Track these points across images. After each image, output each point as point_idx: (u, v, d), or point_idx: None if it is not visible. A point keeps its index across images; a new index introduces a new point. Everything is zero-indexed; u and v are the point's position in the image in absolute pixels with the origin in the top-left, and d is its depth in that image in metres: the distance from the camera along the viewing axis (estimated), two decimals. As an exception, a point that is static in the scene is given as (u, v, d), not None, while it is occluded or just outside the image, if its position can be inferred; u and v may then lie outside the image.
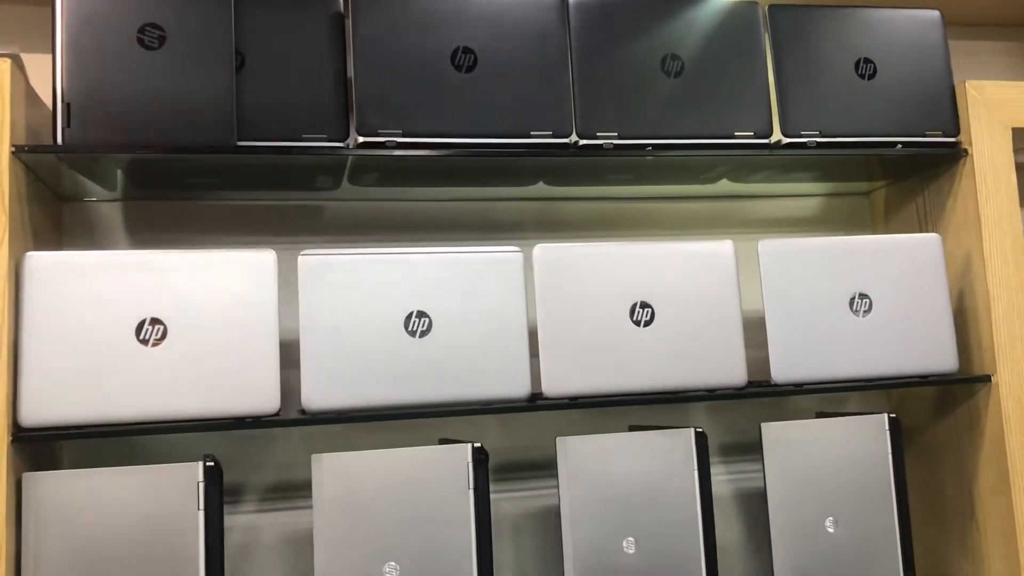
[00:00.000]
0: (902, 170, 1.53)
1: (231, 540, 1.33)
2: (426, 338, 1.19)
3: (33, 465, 1.13)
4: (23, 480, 1.07)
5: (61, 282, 1.10)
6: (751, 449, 1.54)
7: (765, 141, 1.33)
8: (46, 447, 1.23)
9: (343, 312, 1.17)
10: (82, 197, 1.35)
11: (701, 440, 1.27)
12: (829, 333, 1.31)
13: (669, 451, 1.26)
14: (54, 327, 1.09)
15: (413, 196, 1.47)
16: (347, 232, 1.44)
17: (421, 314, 1.19)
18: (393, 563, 1.15)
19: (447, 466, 1.18)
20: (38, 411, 1.07)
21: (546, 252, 1.25)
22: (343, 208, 1.45)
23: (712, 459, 1.51)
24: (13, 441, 1.06)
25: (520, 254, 1.23)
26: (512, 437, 1.46)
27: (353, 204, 1.45)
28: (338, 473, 1.16)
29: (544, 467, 1.46)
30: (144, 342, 1.11)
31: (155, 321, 1.11)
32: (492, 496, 1.41)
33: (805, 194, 1.64)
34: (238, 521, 1.35)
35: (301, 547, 1.36)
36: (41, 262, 1.10)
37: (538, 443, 1.46)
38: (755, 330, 1.42)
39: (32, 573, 1.05)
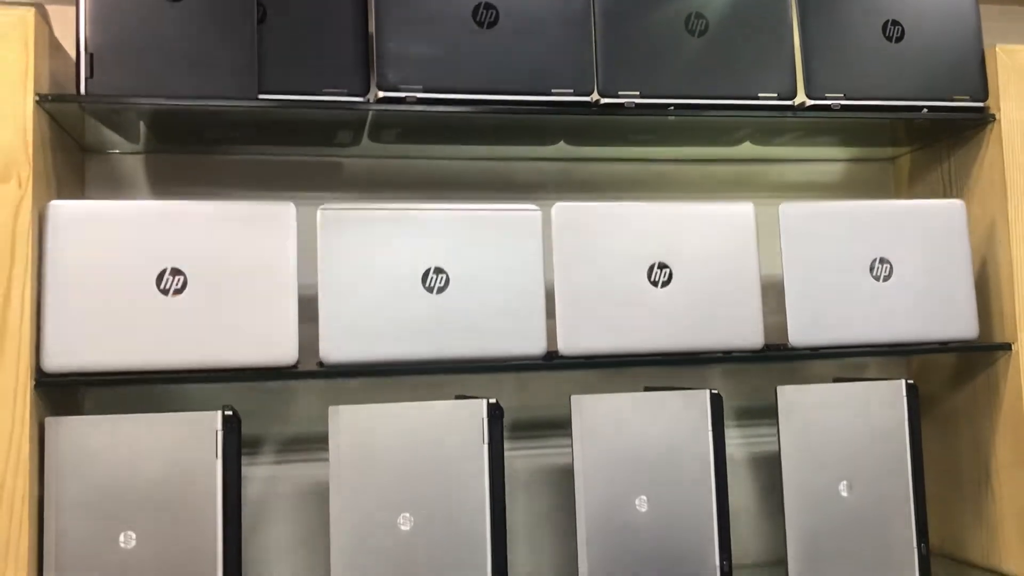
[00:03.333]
0: (928, 135, 1.51)
1: (249, 491, 1.36)
2: (443, 294, 1.19)
3: (55, 411, 1.15)
4: (46, 424, 1.09)
5: (84, 231, 1.11)
6: (767, 414, 1.54)
7: (789, 103, 1.31)
8: (68, 394, 1.25)
9: (361, 267, 1.17)
10: (105, 149, 1.36)
11: (716, 402, 1.27)
12: (848, 297, 1.31)
13: (684, 412, 1.27)
14: (76, 275, 1.10)
15: (433, 154, 1.47)
16: (367, 189, 1.45)
17: (439, 271, 1.19)
18: (408, 514, 1.16)
19: (463, 421, 1.19)
20: (60, 358, 1.09)
21: (564, 211, 1.25)
22: (363, 165, 1.45)
23: (727, 422, 1.51)
24: (36, 386, 1.08)
25: (539, 213, 1.23)
26: (528, 396, 1.46)
27: (373, 161, 1.46)
28: (355, 425, 1.17)
29: (559, 426, 1.47)
30: (164, 292, 1.12)
31: (175, 271, 1.13)
32: (507, 454, 1.43)
33: (829, 159, 1.62)
34: (257, 472, 1.37)
35: (318, 499, 1.38)
36: (64, 211, 1.11)
37: (553, 402, 1.46)
38: (773, 295, 1.41)
39: (54, 514, 1.08)
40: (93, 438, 1.10)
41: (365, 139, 1.36)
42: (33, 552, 1.06)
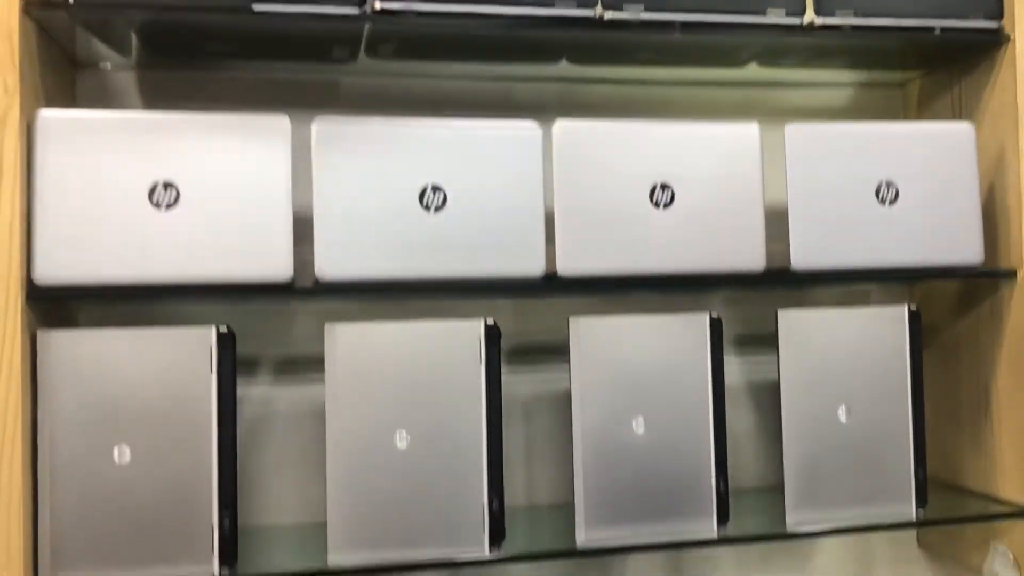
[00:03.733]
0: (939, 58, 1.47)
1: (246, 411, 1.35)
2: (441, 213, 1.17)
3: (49, 327, 1.13)
4: (38, 338, 1.08)
5: (74, 142, 1.08)
6: (767, 342, 1.53)
7: (797, 21, 1.27)
8: (62, 310, 1.23)
9: (357, 183, 1.15)
10: (96, 63, 1.32)
11: (716, 326, 1.26)
12: (853, 221, 1.28)
13: (683, 335, 1.25)
14: (67, 188, 1.08)
15: (431, 73, 1.43)
16: (362, 108, 1.41)
17: (436, 188, 1.17)
18: (404, 432, 1.16)
19: (460, 341, 1.18)
20: (52, 271, 1.07)
21: (566, 128, 1.22)
22: (359, 83, 1.42)
23: (728, 350, 1.50)
24: (28, 300, 1.07)
25: (539, 130, 1.21)
26: (527, 321, 1.45)
27: (369, 80, 1.42)
28: (351, 343, 1.16)
29: (558, 352, 1.45)
30: (156, 205, 1.10)
31: (168, 185, 1.10)
32: (506, 379, 1.42)
33: (837, 83, 1.58)
34: (254, 393, 1.36)
35: (315, 419, 1.37)
36: (54, 121, 1.08)
37: (553, 327, 1.45)
38: (776, 223, 1.39)
39: (48, 428, 1.07)
40: (86, 352, 1.09)
41: (362, 55, 1.32)
42: (27, 466, 1.06)
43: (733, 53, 1.39)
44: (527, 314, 1.45)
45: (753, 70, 1.46)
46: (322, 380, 1.26)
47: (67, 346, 1.08)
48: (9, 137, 1.05)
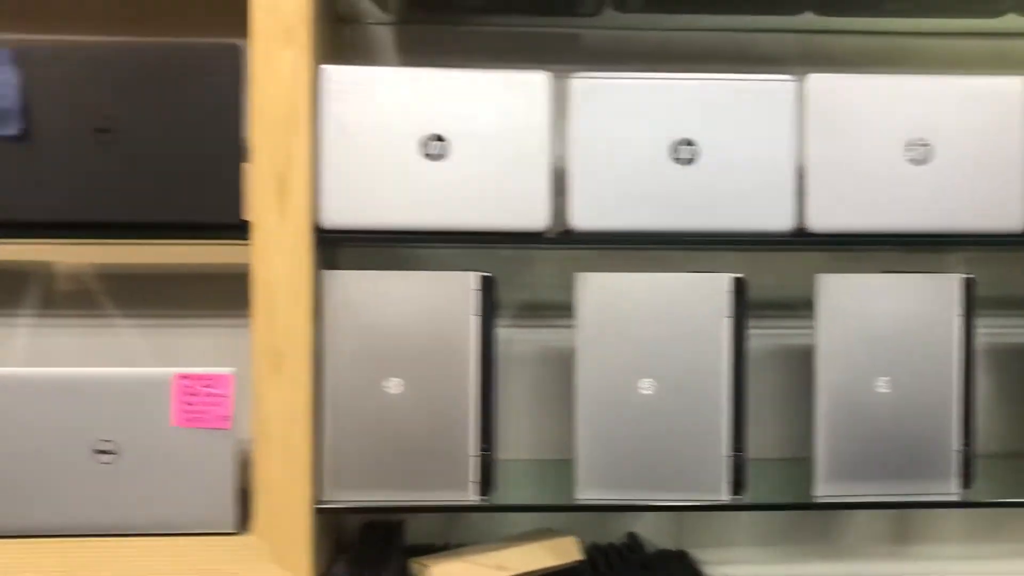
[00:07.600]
0: None
1: (489, 352, 1.42)
2: (691, 166, 1.19)
3: (321, 266, 1.22)
4: (323, 277, 1.17)
5: (354, 95, 1.16)
6: (1015, 304, 1.47)
7: (1073, -34, 1.21)
8: (328, 252, 1.33)
9: (611, 136, 1.18)
10: (359, 18, 1.40)
11: (969, 286, 1.23)
12: (1124, 181, 1.22)
13: (934, 296, 1.23)
14: (349, 139, 1.16)
15: (672, 25, 1.44)
16: (605, 61, 1.44)
17: (688, 142, 1.19)
18: (650, 379, 1.20)
19: (707, 293, 1.21)
20: (337, 215, 1.16)
21: (820, 82, 1.21)
22: (601, 36, 1.44)
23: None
24: (316, 242, 1.16)
25: (793, 83, 1.20)
26: (773, 275, 1.45)
27: (611, 33, 1.44)
28: (601, 292, 1.20)
29: (799, 307, 1.45)
30: (428, 157, 1.17)
31: (437, 137, 1.17)
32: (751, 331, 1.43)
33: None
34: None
35: (552, 362, 1.43)
36: (337, 76, 1.17)
37: (798, 282, 1.44)
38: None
39: (332, 361, 1.17)
40: (362, 291, 1.18)
41: (607, 8, 1.34)
42: (313, 394, 1.16)
43: (990, 2, 1.32)
44: (774, 267, 1.45)
45: (1011, 20, 1.39)
46: (559, 325, 1.32)
47: (346, 285, 1.18)
48: (300, 91, 1.14)
